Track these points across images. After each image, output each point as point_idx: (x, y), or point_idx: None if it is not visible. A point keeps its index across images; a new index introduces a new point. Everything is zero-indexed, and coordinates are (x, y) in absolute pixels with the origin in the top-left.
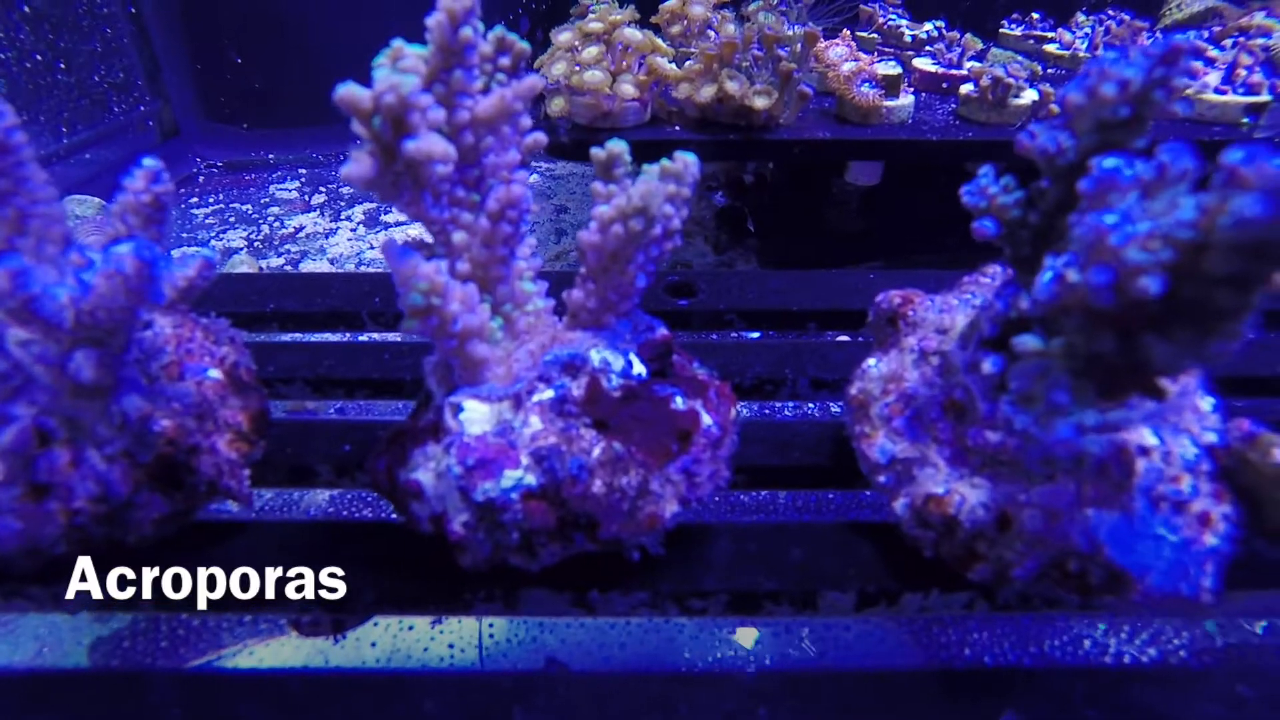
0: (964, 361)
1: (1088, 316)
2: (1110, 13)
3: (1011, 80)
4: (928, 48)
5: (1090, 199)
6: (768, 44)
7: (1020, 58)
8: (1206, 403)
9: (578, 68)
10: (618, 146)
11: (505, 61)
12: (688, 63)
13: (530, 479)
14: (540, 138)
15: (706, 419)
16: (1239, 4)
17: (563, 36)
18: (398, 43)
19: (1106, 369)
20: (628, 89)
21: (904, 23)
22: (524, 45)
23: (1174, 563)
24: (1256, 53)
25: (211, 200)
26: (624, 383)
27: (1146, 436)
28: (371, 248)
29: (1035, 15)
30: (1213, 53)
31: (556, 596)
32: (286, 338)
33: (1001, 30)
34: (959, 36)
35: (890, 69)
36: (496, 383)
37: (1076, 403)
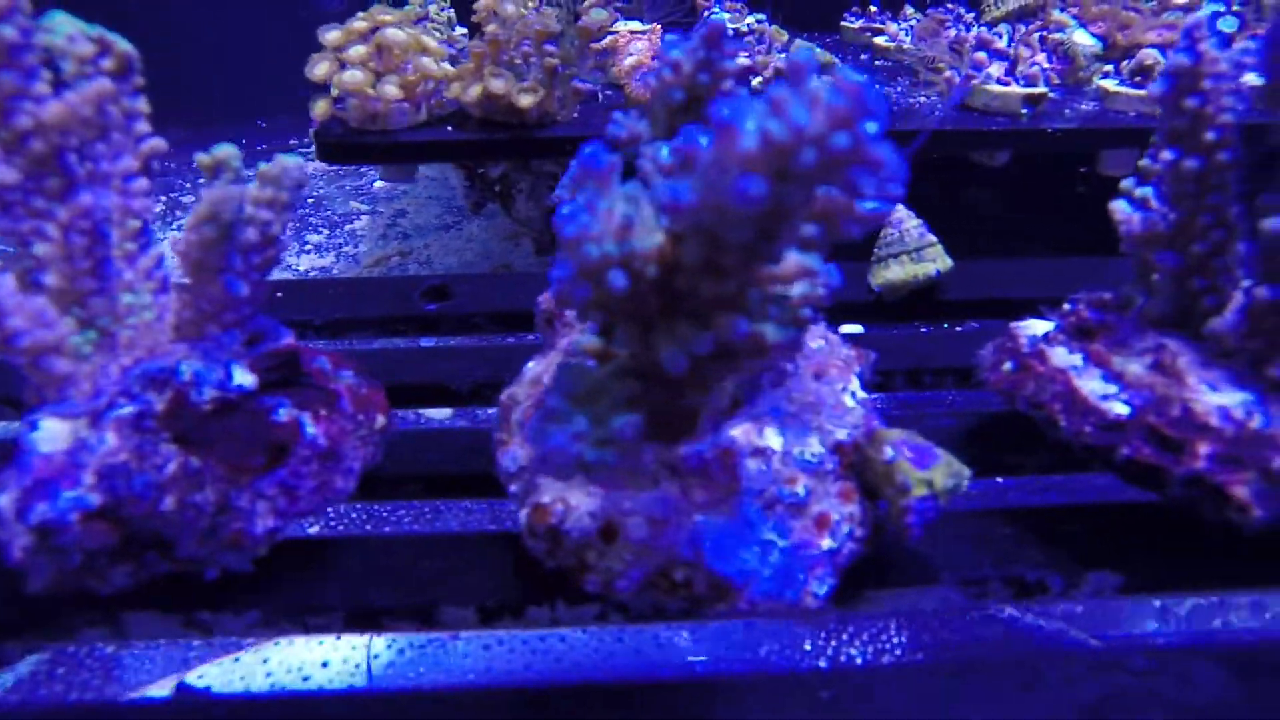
0: None
1: (589, 316)
2: (949, 6)
3: None
4: (745, 40)
5: (568, 187)
6: (535, 40)
7: (818, 48)
8: (849, 399)
9: (344, 68)
10: (223, 152)
11: (107, 63)
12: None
13: (92, 498)
14: (158, 143)
15: (311, 430)
16: None
17: (330, 36)
18: None
19: (636, 374)
20: (391, 90)
21: (727, 16)
22: (125, 46)
23: (782, 568)
24: (1034, 45)
25: None
26: (219, 395)
27: (769, 437)
28: None
29: (873, 8)
30: (1000, 44)
31: (164, 618)
32: None
33: (842, 23)
34: (767, 29)
35: None
36: (81, 399)
37: (579, 409)
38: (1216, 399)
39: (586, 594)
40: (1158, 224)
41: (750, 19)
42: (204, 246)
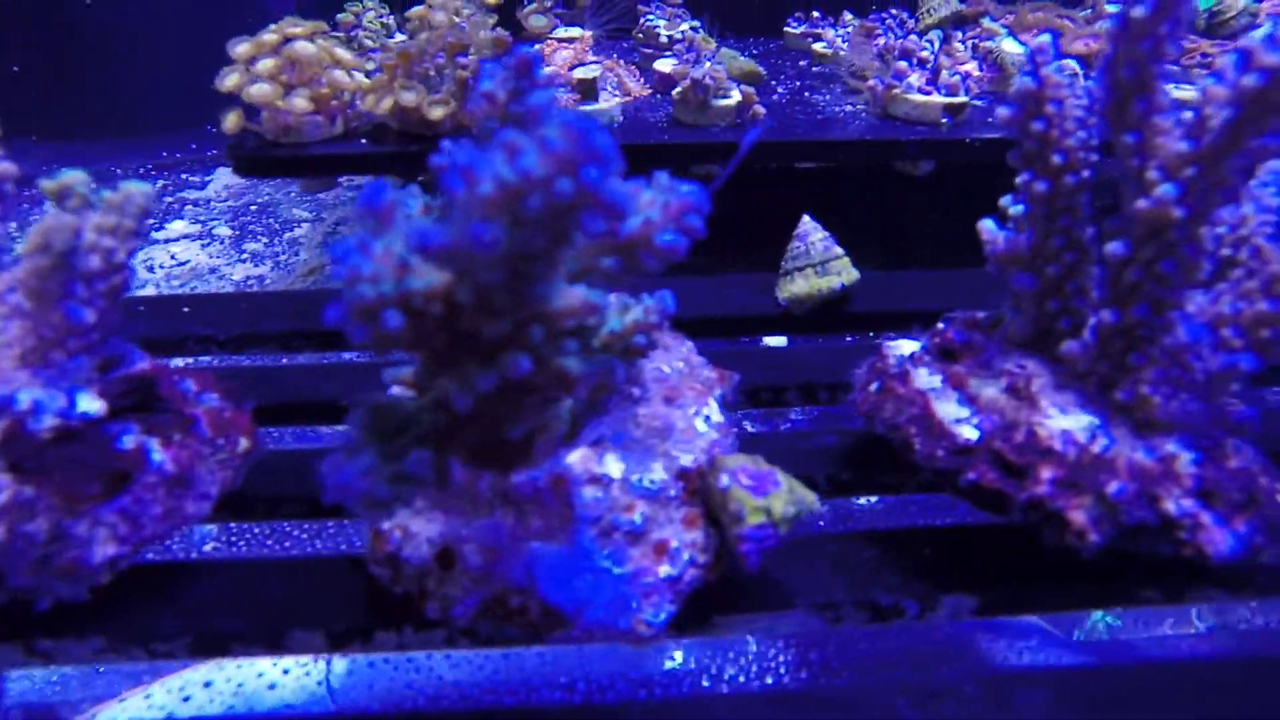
0: None
1: (381, 352)
2: (892, 11)
3: (709, 82)
4: (675, 47)
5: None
6: (448, 52)
7: (741, 56)
8: (701, 423)
9: (253, 81)
10: (70, 178)
11: None
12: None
13: None
14: (7, 167)
15: (158, 456)
16: (1008, 2)
17: (239, 49)
18: None
19: (445, 407)
20: (301, 103)
21: (662, 23)
22: None
23: (616, 596)
24: (956, 54)
25: None
26: (59, 423)
27: (609, 464)
28: None
29: (815, 13)
30: (924, 53)
31: (5, 646)
32: None
33: (785, 29)
34: (695, 37)
35: (587, 72)
36: None
37: (372, 443)
38: (1062, 423)
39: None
40: (1020, 245)
41: (685, 25)
42: (40, 275)
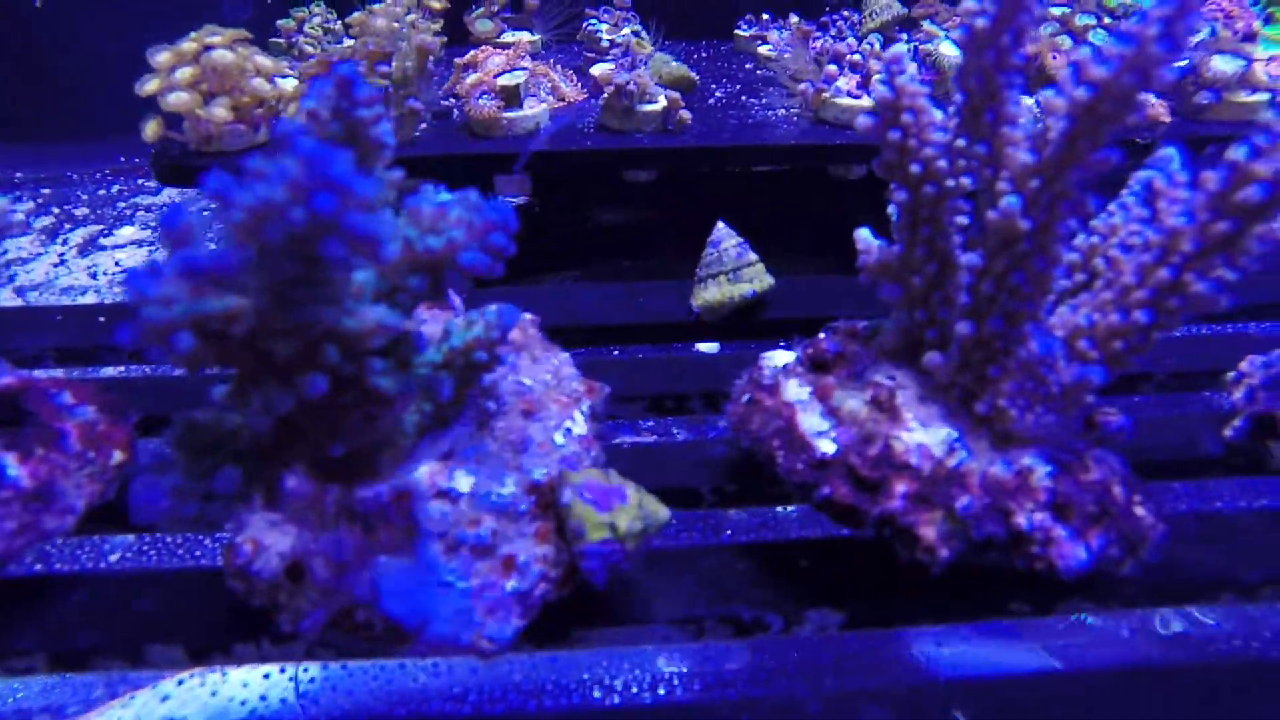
0: None
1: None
2: (844, 14)
3: (632, 88)
4: (612, 52)
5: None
6: (367, 61)
7: (673, 61)
8: (560, 436)
9: (173, 89)
10: None
11: None
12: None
13: None
14: None
15: (13, 471)
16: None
17: (159, 58)
18: None
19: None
20: (220, 112)
21: (604, 27)
22: None
23: (461, 611)
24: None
25: None
26: None
27: (458, 479)
28: (71, 274)
29: (765, 16)
30: (855, 57)
31: None
32: None
33: (735, 31)
34: (631, 41)
35: (510, 79)
36: None
37: (182, 460)
38: (919, 437)
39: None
40: (891, 255)
41: (626, 30)
42: None
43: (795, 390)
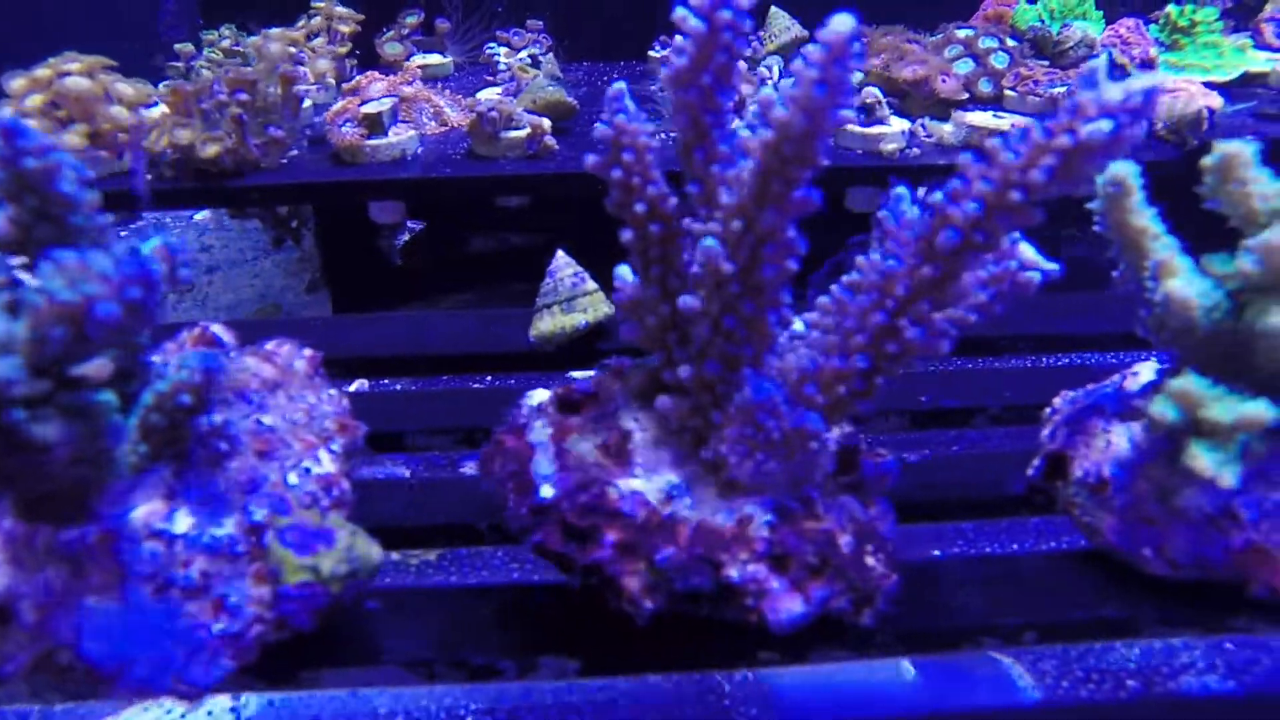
0: None
1: None
2: (760, 34)
3: (494, 114)
4: (499, 77)
5: None
6: (227, 88)
7: (550, 86)
8: (295, 476)
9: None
10: None
11: None
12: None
13: None
14: None
15: None
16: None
17: (13, 84)
18: None
19: None
20: (72, 139)
21: (502, 51)
22: None
23: (165, 654)
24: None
25: None
26: None
27: (178, 519)
28: None
29: (679, 37)
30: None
31: None
32: None
33: (650, 52)
34: (516, 66)
35: (373, 107)
36: None
37: None
38: (638, 484)
39: None
40: (640, 293)
41: (524, 53)
42: None
43: (539, 431)
